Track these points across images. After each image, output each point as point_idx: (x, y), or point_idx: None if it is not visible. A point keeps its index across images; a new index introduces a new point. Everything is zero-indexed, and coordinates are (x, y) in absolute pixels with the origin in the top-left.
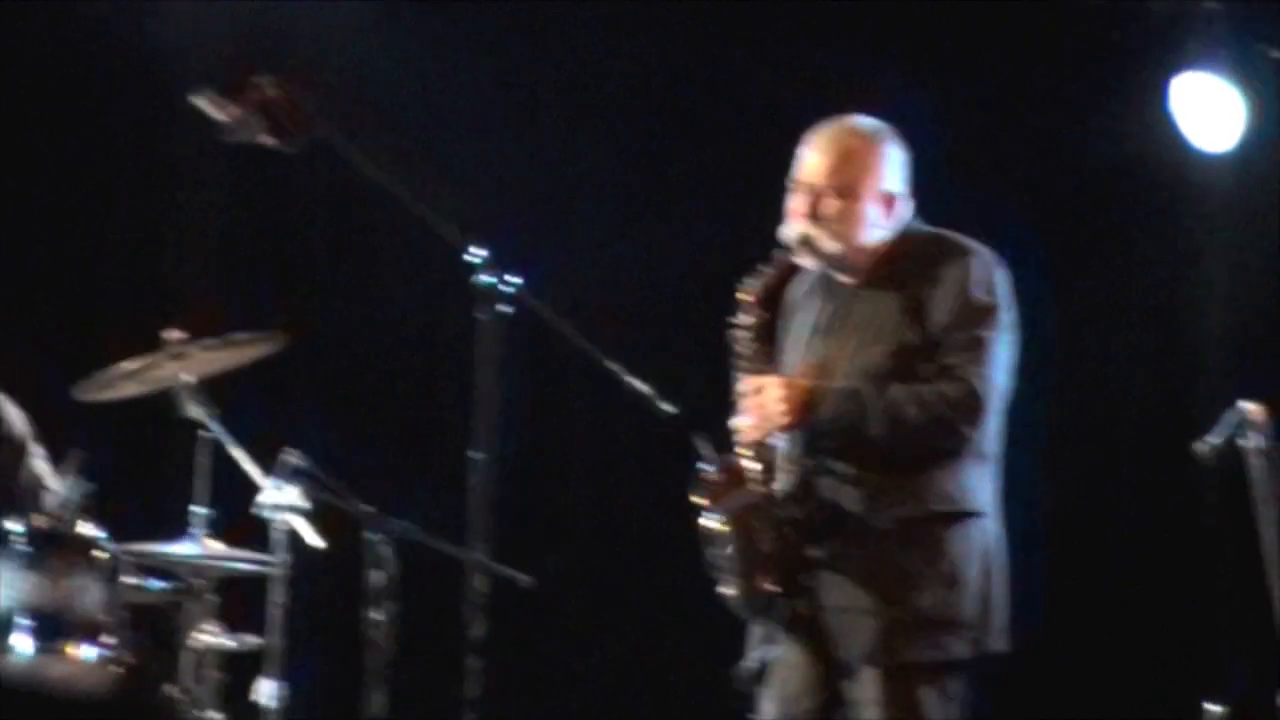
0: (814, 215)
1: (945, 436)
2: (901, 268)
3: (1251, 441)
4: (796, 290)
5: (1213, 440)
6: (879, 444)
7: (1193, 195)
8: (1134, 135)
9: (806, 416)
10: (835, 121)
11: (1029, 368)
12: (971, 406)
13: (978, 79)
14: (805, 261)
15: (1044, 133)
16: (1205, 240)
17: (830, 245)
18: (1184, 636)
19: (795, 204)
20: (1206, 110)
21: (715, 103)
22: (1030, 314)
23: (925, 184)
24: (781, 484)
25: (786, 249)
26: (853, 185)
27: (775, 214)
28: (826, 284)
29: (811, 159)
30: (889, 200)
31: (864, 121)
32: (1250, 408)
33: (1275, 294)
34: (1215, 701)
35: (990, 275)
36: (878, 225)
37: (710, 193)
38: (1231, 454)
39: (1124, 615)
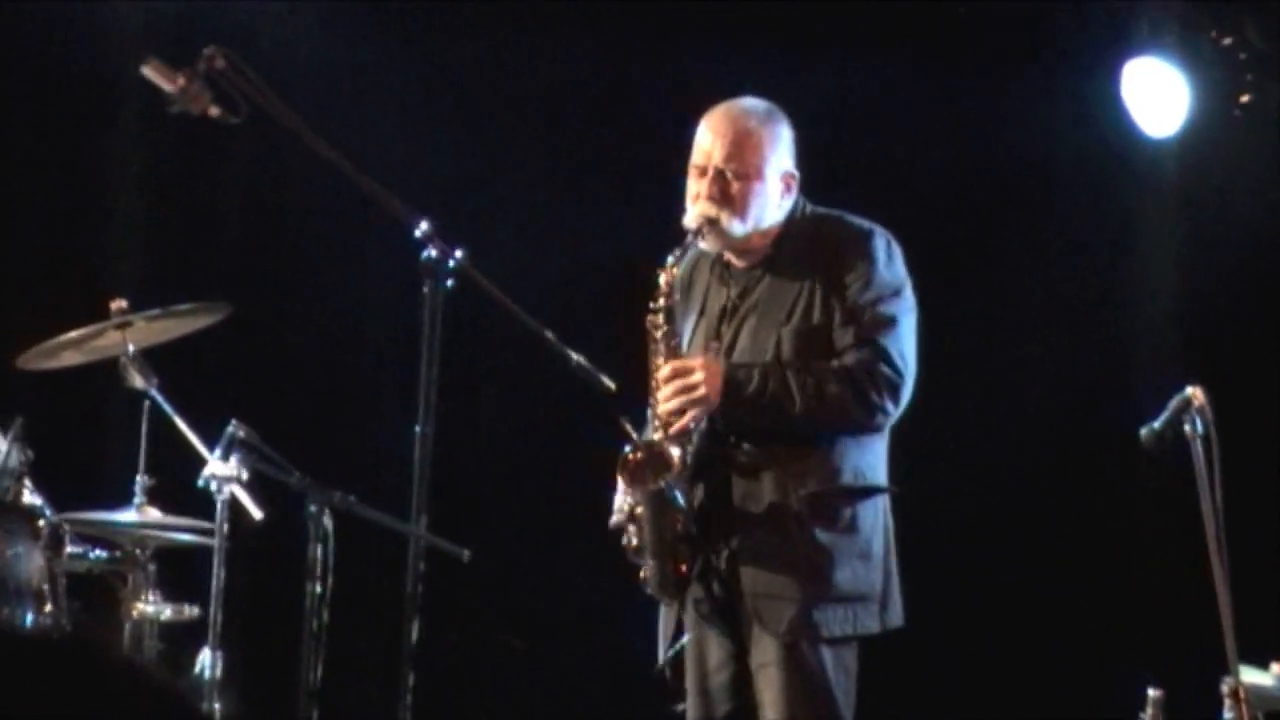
0: (719, 198)
1: (867, 411)
2: (801, 249)
3: (1195, 427)
4: (690, 275)
5: (1157, 426)
6: (801, 419)
7: (1138, 180)
8: (1081, 119)
9: (727, 396)
10: (729, 104)
11: (973, 351)
12: (892, 381)
13: (929, 62)
14: (708, 245)
15: (993, 117)
16: (1151, 223)
17: (736, 227)
18: (1127, 621)
19: (697, 187)
20: (1153, 95)
21: (629, 94)
22: (977, 297)
23: (866, 169)
24: (697, 466)
25: (691, 233)
26: (756, 167)
27: (680, 201)
28: (723, 268)
29: (710, 142)
30: (788, 180)
31: (756, 103)
32: (1195, 393)
33: (1220, 279)
34: (1157, 686)
35: (894, 254)
36: (778, 206)
37: (625, 181)
38: (1176, 440)
39: (1068, 600)
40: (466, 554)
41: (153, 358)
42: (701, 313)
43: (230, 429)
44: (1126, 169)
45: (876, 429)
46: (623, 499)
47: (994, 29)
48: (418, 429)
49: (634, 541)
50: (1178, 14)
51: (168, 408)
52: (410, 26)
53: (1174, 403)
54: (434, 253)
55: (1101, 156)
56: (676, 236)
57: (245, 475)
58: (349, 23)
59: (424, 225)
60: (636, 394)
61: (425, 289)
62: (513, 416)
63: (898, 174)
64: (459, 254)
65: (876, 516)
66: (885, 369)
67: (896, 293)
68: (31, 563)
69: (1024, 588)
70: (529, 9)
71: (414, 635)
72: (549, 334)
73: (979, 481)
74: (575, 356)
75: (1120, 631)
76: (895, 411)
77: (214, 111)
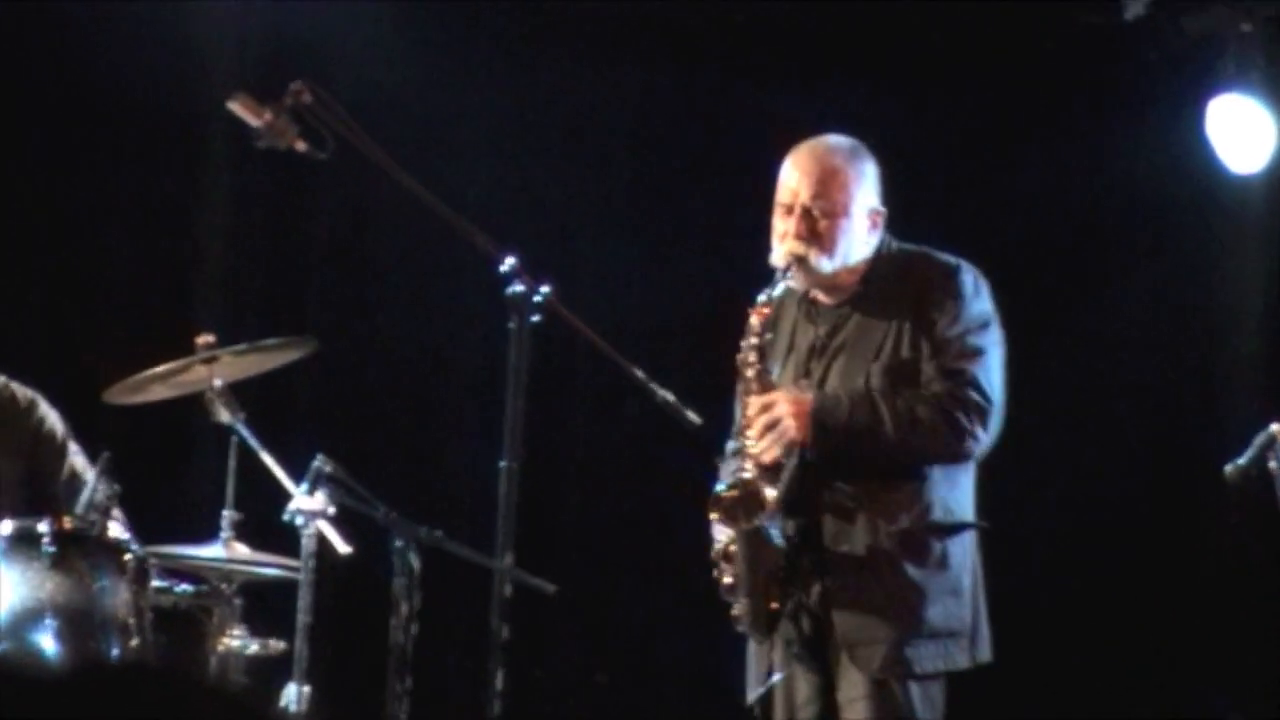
0: (806, 235)
1: (957, 436)
2: (889, 285)
3: None
4: (776, 313)
5: (1242, 462)
6: (893, 445)
7: (1224, 216)
8: (1166, 156)
9: (816, 430)
10: (815, 141)
11: (1060, 387)
12: (981, 407)
13: (1016, 100)
14: (796, 282)
15: (1079, 155)
16: (1237, 261)
17: (824, 265)
18: (1210, 656)
19: (785, 225)
20: (1239, 131)
21: (717, 130)
22: (1063, 334)
23: (952, 206)
24: (789, 504)
25: (779, 271)
26: (843, 204)
27: (765, 238)
28: (810, 305)
29: (797, 180)
30: (874, 217)
31: (841, 140)
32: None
33: None
34: (1240, 718)
35: (981, 288)
36: (865, 243)
37: (712, 218)
38: (1261, 476)
39: (1153, 633)
40: (552, 589)
41: (239, 392)
42: (790, 351)
43: (316, 463)
44: (1212, 206)
45: (967, 456)
46: (720, 535)
47: (1079, 67)
48: (503, 464)
49: (727, 579)
50: (1263, 51)
51: (254, 442)
52: (498, 61)
53: (1259, 439)
54: (520, 287)
55: (1187, 194)
56: (763, 273)
57: (331, 510)
58: (437, 57)
59: (510, 260)
60: (725, 431)
61: (512, 324)
62: (598, 452)
63: (984, 212)
64: (545, 289)
65: (965, 552)
66: (974, 395)
67: (984, 326)
68: (117, 596)
69: (1108, 622)
70: (618, 45)
71: (499, 671)
72: (635, 369)
73: (1065, 517)
74: (661, 392)
75: (1204, 665)
76: (985, 438)
77: (300, 146)
